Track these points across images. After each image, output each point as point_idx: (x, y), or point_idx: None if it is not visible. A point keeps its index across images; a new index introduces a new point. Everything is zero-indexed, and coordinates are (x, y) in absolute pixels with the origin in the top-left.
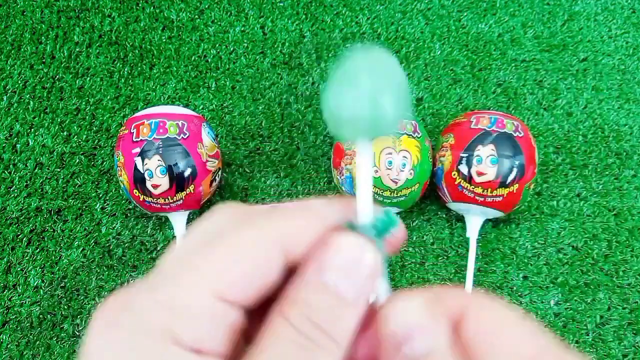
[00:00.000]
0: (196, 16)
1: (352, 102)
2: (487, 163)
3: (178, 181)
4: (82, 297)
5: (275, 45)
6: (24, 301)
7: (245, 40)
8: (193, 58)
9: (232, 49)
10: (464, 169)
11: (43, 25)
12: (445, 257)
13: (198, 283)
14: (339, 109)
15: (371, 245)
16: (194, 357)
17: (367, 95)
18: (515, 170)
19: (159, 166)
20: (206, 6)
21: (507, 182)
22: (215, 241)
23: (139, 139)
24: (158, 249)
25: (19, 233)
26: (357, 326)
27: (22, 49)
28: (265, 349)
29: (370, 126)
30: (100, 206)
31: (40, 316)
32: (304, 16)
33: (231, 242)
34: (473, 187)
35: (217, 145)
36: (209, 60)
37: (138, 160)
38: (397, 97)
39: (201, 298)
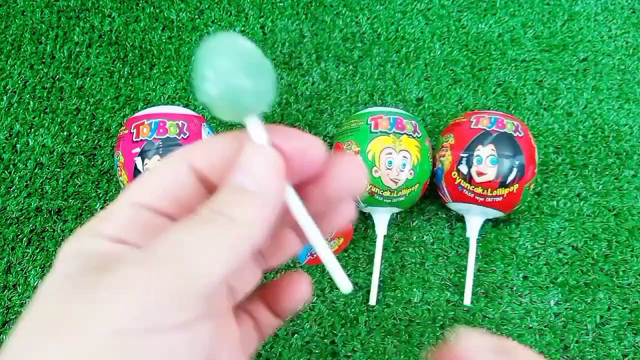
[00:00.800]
0: (196, 16)
1: (211, 83)
2: (487, 163)
3: None
4: None
5: (275, 45)
6: (24, 301)
7: None
8: (193, 58)
9: None
10: (464, 169)
11: (43, 25)
12: (445, 257)
13: (121, 198)
14: (205, 91)
15: (269, 147)
16: (118, 245)
17: (222, 74)
18: (515, 170)
19: None
20: (206, 6)
21: (507, 182)
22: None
23: (139, 139)
24: None
25: (19, 233)
26: (263, 213)
27: (22, 49)
28: (170, 229)
29: (234, 100)
30: (100, 206)
31: None
32: (304, 16)
33: (145, 173)
34: (473, 187)
35: None
36: None
37: (138, 160)
38: (250, 71)
39: (121, 205)
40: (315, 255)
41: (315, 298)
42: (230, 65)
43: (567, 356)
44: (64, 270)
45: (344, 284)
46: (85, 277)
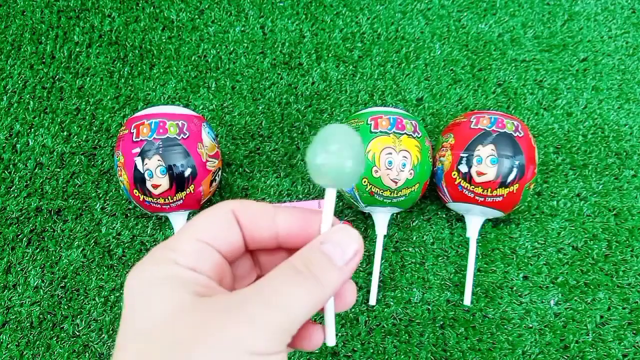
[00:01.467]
0: (196, 16)
1: (323, 158)
2: (487, 163)
3: (178, 181)
4: (82, 297)
5: (275, 45)
6: (24, 301)
7: (245, 40)
8: (193, 58)
9: (232, 49)
10: (464, 169)
11: (43, 25)
12: (445, 257)
13: (186, 234)
14: (315, 162)
15: (360, 238)
16: (190, 272)
17: (334, 154)
18: (515, 170)
19: (159, 166)
20: (206, 6)
21: (507, 182)
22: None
23: (139, 139)
24: None
25: (19, 233)
26: (338, 287)
27: (22, 49)
28: (268, 274)
29: (336, 176)
30: (100, 206)
31: (40, 316)
32: (304, 16)
33: (200, 216)
34: (473, 187)
35: (217, 145)
36: (209, 60)
37: (138, 160)
38: (356, 158)
39: (189, 241)
40: None
41: None
42: (339, 147)
43: (567, 356)
44: (170, 295)
45: (332, 338)
46: (199, 302)
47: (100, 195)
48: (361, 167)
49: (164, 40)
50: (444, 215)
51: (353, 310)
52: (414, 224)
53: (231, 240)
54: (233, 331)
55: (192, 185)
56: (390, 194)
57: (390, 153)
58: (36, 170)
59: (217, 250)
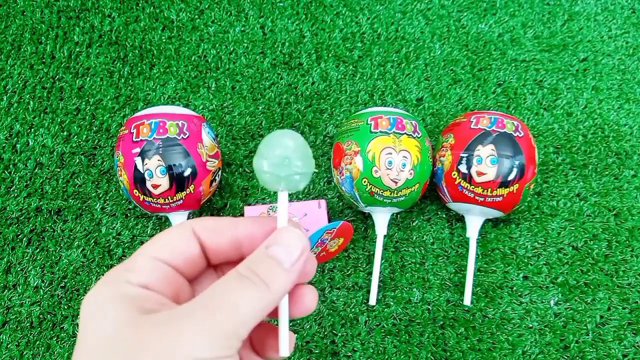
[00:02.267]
0: (196, 16)
1: (268, 161)
2: (487, 163)
3: (178, 181)
4: (82, 297)
5: (275, 45)
6: (24, 301)
7: (245, 40)
8: (193, 58)
9: (232, 49)
10: (464, 169)
11: (43, 25)
12: (445, 257)
13: (142, 253)
14: (263, 169)
15: (305, 236)
16: (140, 290)
17: (278, 159)
18: (515, 170)
19: (159, 166)
20: (206, 6)
21: (507, 182)
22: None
23: (139, 139)
24: None
25: (19, 233)
26: (288, 288)
27: (22, 49)
28: (214, 283)
29: (286, 182)
30: (100, 206)
31: (40, 316)
32: (304, 16)
33: (159, 234)
34: (473, 187)
35: (217, 145)
36: (209, 60)
37: (138, 160)
38: (302, 159)
39: (143, 260)
40: (316, 253)
41: None
42: (282, 151)
43: (567, 356)
44: (115, 314)
45: (285, 349)
46: (144, 318)
47: (100, 195)
48: (309, 169)
49: (164, 40)
50: (444, 215)
51: (353, 310)
52: (414, 224)
53: (189, 256)
54: (174, 339)
55: (192, 185)
56: (390, 194)
57: (390, 153)
58: (36, 170)
59: (174, 267)
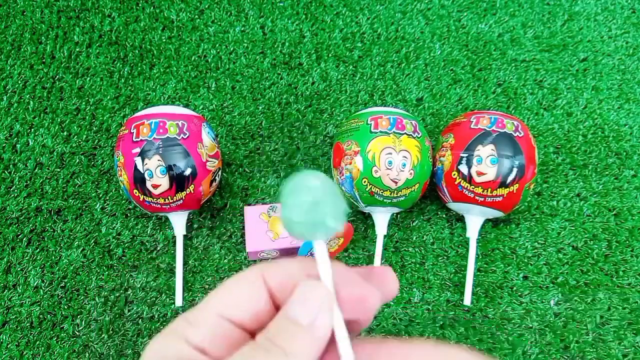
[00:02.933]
0: (196, 16)
1: (298, 210)
2: (487, 163)
3: (178, 181)
4: (82, 297)
5: (275, 45)
6: (24, 301)
7: (245, 40)
8: (193, 58)
9: (232, 49)
10: (464, 169)
11: (43, 25)
12: (445, 257)
13: (208, 307)
14: (292, 219)
15: (323, 284)
16: (195, 354)
17: (309, 205)
18: (515, 170)
19: (159, 166)
20: (206, 6)
21: (507, 182)
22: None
23: (139, 139)
24: (158, 249)
25: (19, 233)
26: (314, 347)
27: (22, 49)
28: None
29: (313, 228)
30: (100, 206)
31: (40, 316)
32: (304, 16)
33: (227, 284)
34: (473, 187)
35: (217, 145)
36: (209, 60)
37: (138, 160)
38: (333, 207)
39: (208, 316)
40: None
41: None
42: (311, 198)
43: (567, 356)
44: None
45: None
46: None
47: (100, 195)
48: (342, 217)
49: (164, 40)
50: (444, 215)
51: None
52: (414, 224)
53: (257, 310)
54: None
55: (192, 185)
56: (390, 194)
57: (390, 153)
58: (36, 170)
59: (239, 324)
